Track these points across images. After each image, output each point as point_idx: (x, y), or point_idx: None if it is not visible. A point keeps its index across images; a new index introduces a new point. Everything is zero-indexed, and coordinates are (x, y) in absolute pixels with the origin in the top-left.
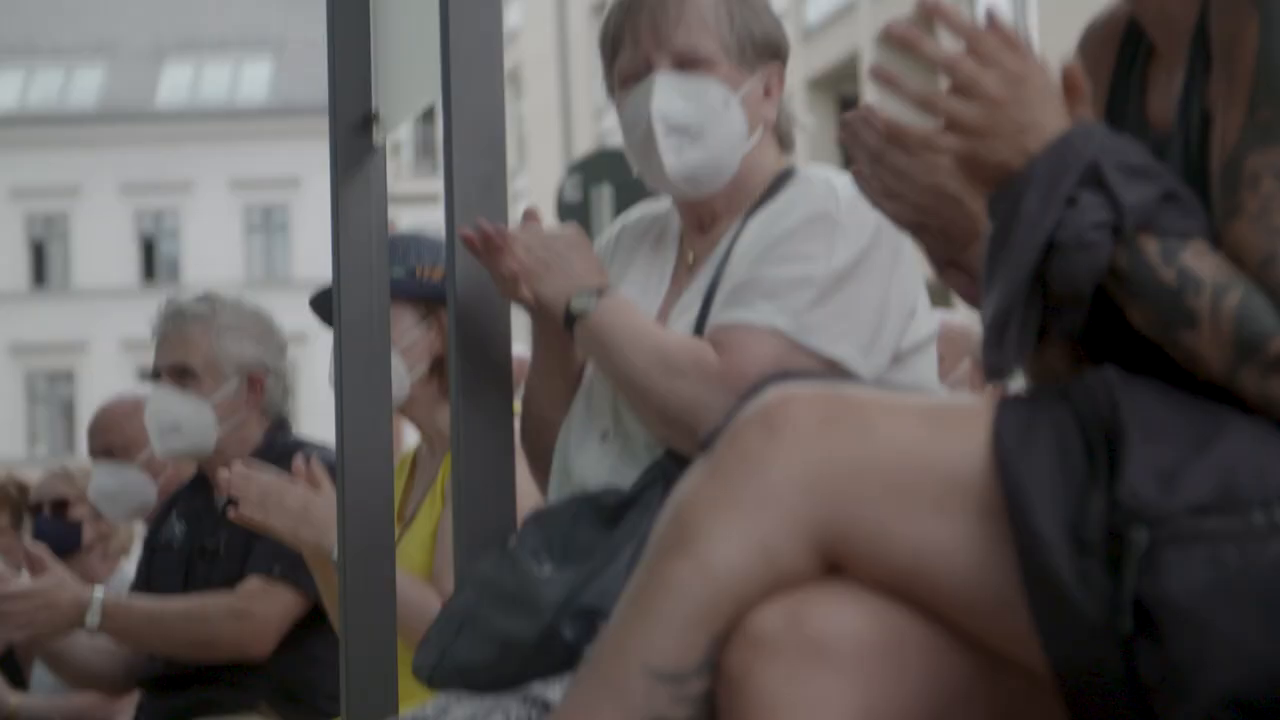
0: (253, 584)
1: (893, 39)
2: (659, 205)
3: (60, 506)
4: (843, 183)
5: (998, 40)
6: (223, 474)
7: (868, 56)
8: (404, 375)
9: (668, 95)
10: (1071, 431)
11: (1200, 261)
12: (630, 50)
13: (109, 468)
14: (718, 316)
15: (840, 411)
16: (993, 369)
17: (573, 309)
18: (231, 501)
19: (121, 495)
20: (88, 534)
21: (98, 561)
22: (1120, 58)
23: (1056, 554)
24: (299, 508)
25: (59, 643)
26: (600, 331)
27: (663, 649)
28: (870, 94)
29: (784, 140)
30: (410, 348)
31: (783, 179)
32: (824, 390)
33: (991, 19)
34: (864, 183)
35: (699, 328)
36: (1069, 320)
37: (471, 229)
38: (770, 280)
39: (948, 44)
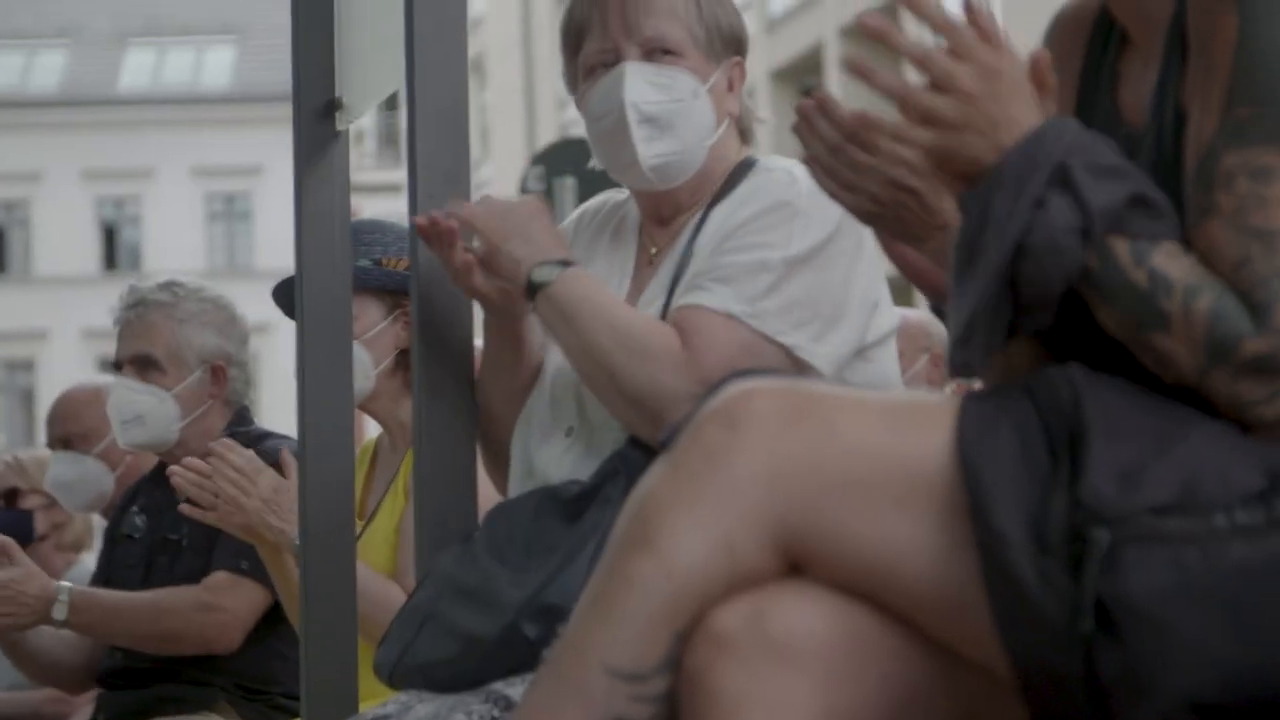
0: (220, 578)
1: (866, 31)
2: (617, 194)
3: (11, 497)
4: (804, 172)
5: (974, 33)
6: (175, 473)
7: (832, 48)
8: (369, 367)
9: (639, 85)
10: (1034, 429)
11: (1171, 263)
12: (598, 39)
13: (67, 458)
14: (680, 298)
15: (803, 407)
16: (960, 367)
17: (534, 279)
18: (187, 499)
19: (79, 485)
20: (41, 525)
21: (51, 553)
22: (1090, 49)
23: (1018, 553)
24: (269, 492)
25: (23, 636)
26: (563, 304)
27: (624, 647)
28: (835, 86)
29: (745, 134)
30: (375, 339)
31: (742, 169)
32: (787, 386)
33: (970, 10)
34: (818, 172)
35: (664, 317)
36: (1037, 320)
37: (425, 217)
38: (727, 266)
39: (915, 35)
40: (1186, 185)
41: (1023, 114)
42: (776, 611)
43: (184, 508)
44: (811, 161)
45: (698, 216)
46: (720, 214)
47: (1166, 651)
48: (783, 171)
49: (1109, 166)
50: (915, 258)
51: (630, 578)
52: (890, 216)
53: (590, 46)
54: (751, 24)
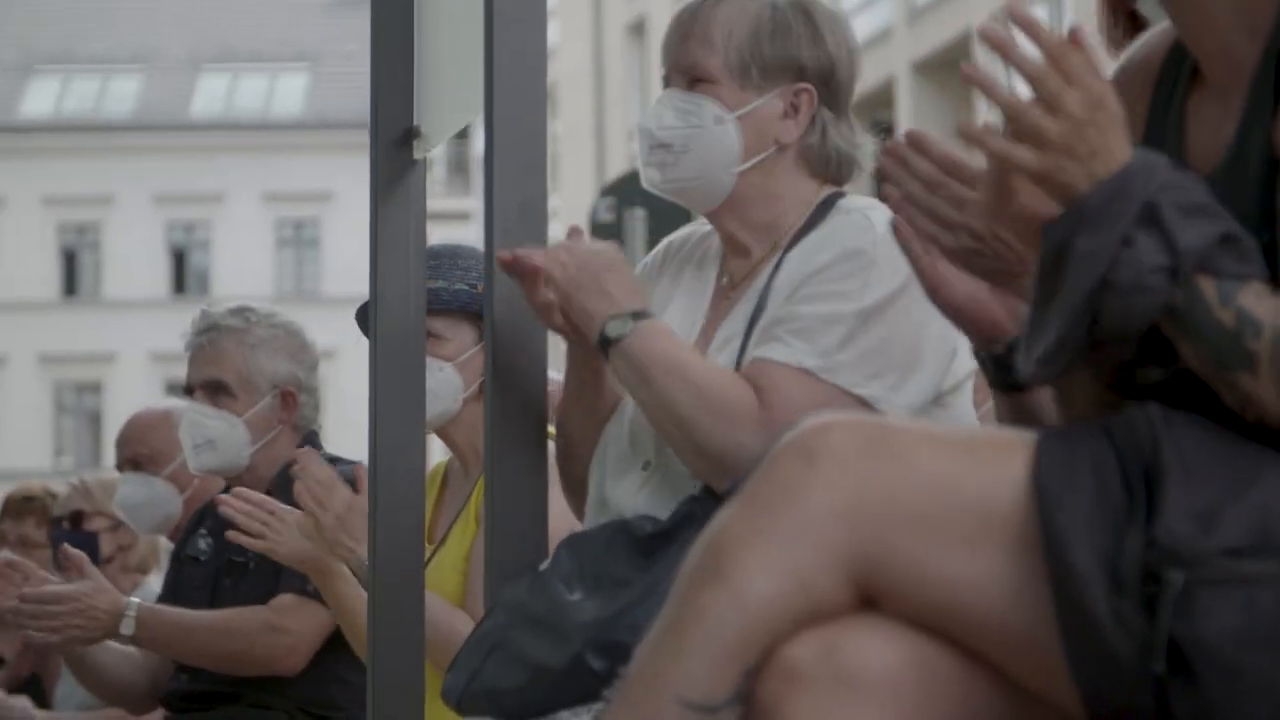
0: (286, 600)
1: (987, 40)
2: (703, 226)
3: (77, 519)
4: (880, 216)
5: (1082, 59)
6: (224, 501)
7: (903, 83)
8: (459, 390)
9: (661, 111)
10: (1111, 468)
11: (1260, 304)
12: (665, 64)
13: (136, 479)
14: (752, 351)
15: (878, 442)
16: (1031, 382)
17: (607, 333)
18: (233, 525)
19: (147, 507)
20: (106, 546)
21: (117, 574)
22: (1158, 90)
23: (1092, 591)
24: (344, 509)
25: (89, 651)
26: (636, 359)
27: (695, 679)
28: (905, 118)
29: (819, 164)
30: (466, 363)
31: (824, 209)
32: (862, 420)
33: (1075, 36)
34: (913, 212)
35: (739, 364)
36: (1116, 353)
37: (509, 252)
38: (802, 317)
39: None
40: (1274, 224)
41: (1119, 146)
42: (848, 645)
43: (231, 535)
44: (903, 201)
45: (775, 256)
46: (796, 258)
47: (1240, 694)
48: (860, 215)
49: (1198, 205)
50: (963, 301)
51: (703, 610)
52: (989, 253)
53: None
54: (893, 14)
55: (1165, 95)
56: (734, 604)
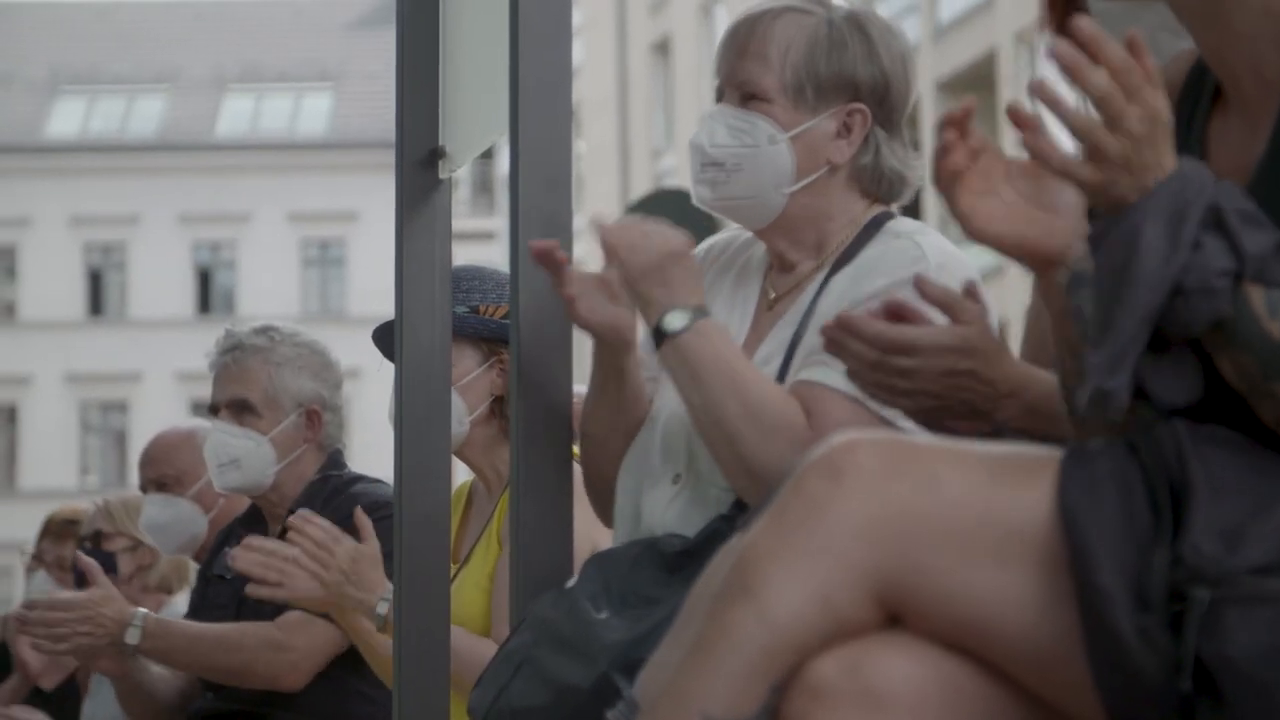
0: (292, 617)
1: (1058, 58)
2: (745, 232)
3: (97, 540)
4: (931, 242)
5: (1142, 74)
6: (237, 557)
7: (1005, 55)
8: (464, 414)
9: (714, 128)
10: (1137, 485)
11: None
12: (718, 78)
13: (161, 500)
14: (799, 371)
15: (904, 460)
16: (1099, 401)
17: (665, 326)
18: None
19: (173, 528)
20: (125, 566)
21: (137, 593)
22: (1179, 111)
23: (1118, 609)
24: (348, 563)
25: (136, 669)
26: (691, 357)
27: (721, 697)
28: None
29: (870, 183)
30: (469, 386)
31: (872, 229)
32: (888, 438)
33: (1135, 49)
34: (867, 386)
35: (780, 377)
36: (1174, 379)
37: (541, 243)
38: None
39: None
40: None
41: (1168, 157)
42: (873, 662)
43: (250, 589)
44: (854, 376)
45: (821, 275)
46: (844, 279)
47: (1268, 713)
48: (910, 242)
49: (1253, 213)
50: (1010, 240)
51: (728, 627)
52: (954, 403)
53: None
54: (918, 32)
55: (1185, 119)
56: (760, 621)
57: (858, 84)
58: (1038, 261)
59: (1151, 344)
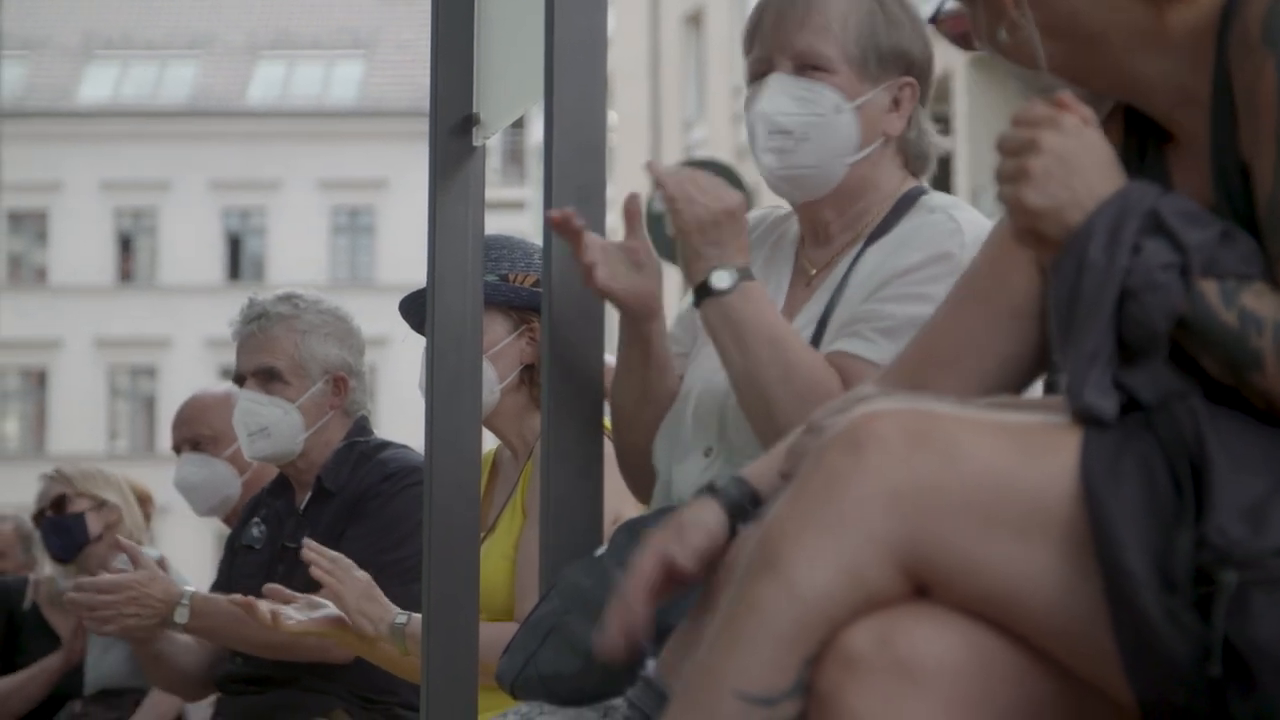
0: None
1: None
2: (778, 210)
3: (60, 504)
4: (967, 216)
5: (1037, 115)
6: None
7: (961, 76)
8: (494, 382)
9: (777, 97)
10: (1158, 462)
11: (1260, 302)
12: (757, 49)
13: (196, 459)
14: (836, 343)
15: (925, 430)
16: (1087, 412)
17: (712, 283)
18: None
19: (206, 488)
20: (93, 525)
21: (107, 552)
22: (1127, 144)
23: (1145, 590)
24: (365, 584)
25: (160, 644)
26: (735, 317)
27: (754, 673)
28: (963, 112)
29: (911, 160)
30: (500, 355)
31: (906, 203)
32: (909, 408)
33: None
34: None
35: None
36: (1150, 365)
37: (558, 211)
38: (889, 316)
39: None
40: (1261, 236)
41: (1107, 183)
42: (905, 634)
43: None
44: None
45: (856, 247)
46: (878, 251)
47: None
48: (945, 216)
49: (1196, 213)
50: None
51: (758, 603)
52: None
53: (752, 55)
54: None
55: (1135, 161)
56: (788, 596)
57: (911, 58)
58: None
59: (1126, 354)
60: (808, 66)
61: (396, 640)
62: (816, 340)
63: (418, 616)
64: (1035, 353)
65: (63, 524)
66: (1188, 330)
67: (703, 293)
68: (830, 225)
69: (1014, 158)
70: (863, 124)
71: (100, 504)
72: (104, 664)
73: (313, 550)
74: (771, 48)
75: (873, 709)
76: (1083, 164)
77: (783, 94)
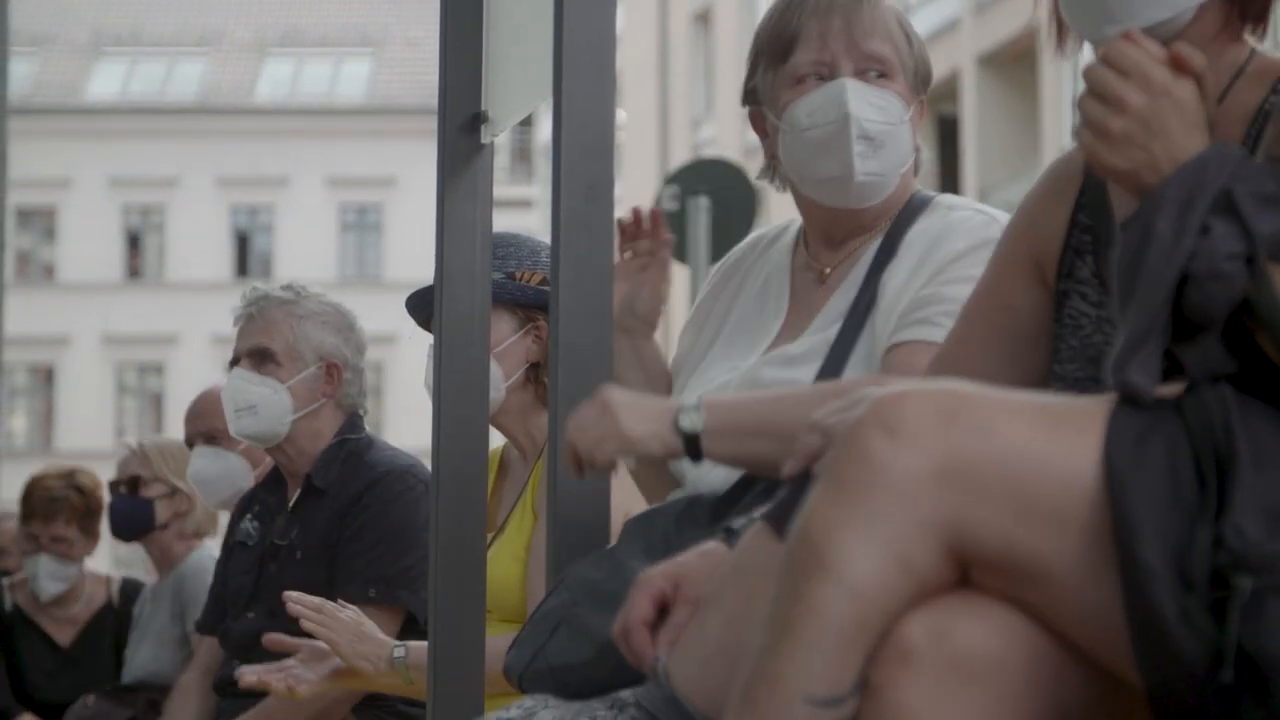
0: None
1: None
2: (758, 235)
3: (134, 485)
4: (993, 211)
5: (1140, 55)
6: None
7: (968, 75)
8: (500, 380)
9: (861, 102)
10: (1183, 452)
11: None
12: (814, 50)
13: (210, 453)
14: (904, 331)
15: (956, 410)
16: (1125, 388)
17: (685, 429)
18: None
19: (221, 481)
20: (162, 513)
21: (174, 540)
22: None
23: (1161, 586)
24: (355, 625)
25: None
26: (726, 418)
27: (820, 676)
28: (970, 111)
29: (917, 167)
30: (506, 353)
31: (919, 204)
32: (937, 388)
33: (1131, 35)
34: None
35: (841, 342)
36: (1202, 348)
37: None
38: (952, 299)
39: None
40: None
41: (1190, 144)
42: (960, 628)
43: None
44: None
45: (874, 244)
46: (913, 246)
47: None
48: (973, 211)
49: (1272, 194)
50: None
51: (813, 604)
52: None
53: (803, 56)
54: (960, 5)
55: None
56: (843, 593)
57: (929, 76)
58: None
59: (1181, 329)
60: (871, 71)
61: (399, 672)
62: (845, 332)
63: (415, 644)
64: (1039, 380)
65: (131, 505)
66: (1251, 313)
67: (690, 444)
68: (849, 227)
69: (1099, 104)
70: (912, 134)
71: (173, 491)
72: (136, 657)
73: (296, 603)
74: (837, 50)
75: (926, 703)
76: (1166, 126)
77: (865, 100)
